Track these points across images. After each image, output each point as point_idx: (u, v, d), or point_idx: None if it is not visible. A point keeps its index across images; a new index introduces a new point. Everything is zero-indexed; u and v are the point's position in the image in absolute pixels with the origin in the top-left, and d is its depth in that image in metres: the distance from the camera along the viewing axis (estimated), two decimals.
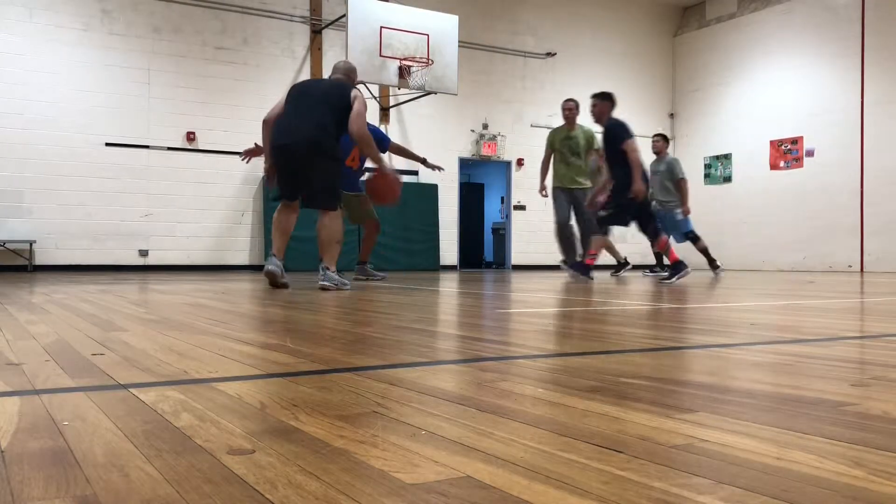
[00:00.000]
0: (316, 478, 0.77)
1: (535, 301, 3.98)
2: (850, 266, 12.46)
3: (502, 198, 14.95)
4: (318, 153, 4.86)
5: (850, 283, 6.73)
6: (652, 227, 7.01)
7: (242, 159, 6.47)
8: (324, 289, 4.86)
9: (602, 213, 7.08)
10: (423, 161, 7.42)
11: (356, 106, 4.95)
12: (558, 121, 14.42)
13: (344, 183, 5.88)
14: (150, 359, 1.67)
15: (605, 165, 7.19)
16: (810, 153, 13.06)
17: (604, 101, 7.06)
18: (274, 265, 5.06)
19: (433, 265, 12.66)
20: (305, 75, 11.98)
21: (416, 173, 12.61)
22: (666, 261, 7.65)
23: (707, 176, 14.96)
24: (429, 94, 11.17)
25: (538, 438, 0.94)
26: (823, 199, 12.77)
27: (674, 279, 6.81)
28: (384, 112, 12.61)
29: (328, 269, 4.97)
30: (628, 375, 1.44)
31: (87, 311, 3.09)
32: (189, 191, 11.15)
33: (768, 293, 4.87)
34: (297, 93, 5.11)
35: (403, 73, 10.51)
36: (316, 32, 12.07)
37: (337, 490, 0.73)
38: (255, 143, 5.87)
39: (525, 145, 13.97)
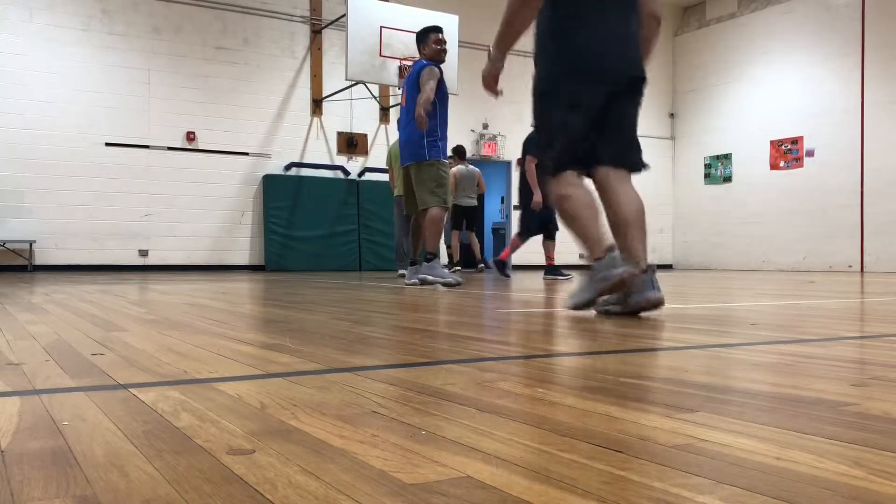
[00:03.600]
0: (316, 478, 0.77)
1: (536, 301, 3.98)
2: (850, 266, 12.46)
3: (502, 198, 14.96)
4: (643, 85, 3.17)
5: (850, 283, 6.73)
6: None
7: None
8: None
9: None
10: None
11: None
12: None
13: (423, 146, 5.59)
14: (150, 359, 1.67)
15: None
16: (810, 153, 13.06)
17: None
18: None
19: None
20: (305, 75, 11.99)
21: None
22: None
23: (707, 176, 14.96)
24: None
25: (538, 438, 0.94)
26: (823, 199, 12.77)
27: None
28: (384, 112, 12.61)
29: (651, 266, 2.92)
30: (628, 375, 1.44)
31: (87, 311, 3.09)
32: (189, 191, 11.15)
33: (768, 293, 4.87)
34: None
35: (403, 72, 10.50)
36: (316, 32, 12.07)
37: (337, 490, 0.73)
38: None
39: None
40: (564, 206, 3.00)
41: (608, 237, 2.92)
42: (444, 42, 5.89)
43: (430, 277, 5.36)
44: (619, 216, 2.96)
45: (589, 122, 3.00)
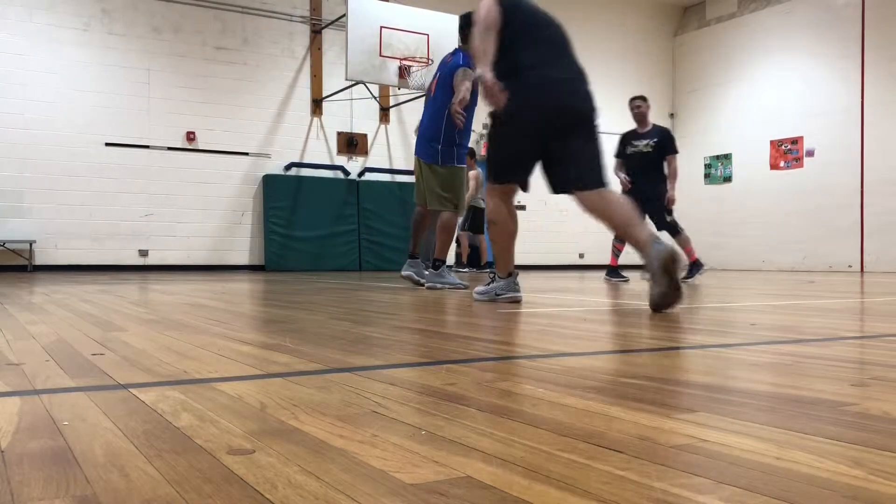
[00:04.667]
0: (316, 478, 0.77)
1: (535, 301, 3.98)
2: (850, 266, 12.45)
3: None
4: (595, 116, 3.52)
5: (850, 283, 6.73)
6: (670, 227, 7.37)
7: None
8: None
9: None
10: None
11: None
12: None
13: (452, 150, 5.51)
14: (150, 359, 1.67)
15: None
16: (810, 153, 13.06)
17: (646, 102, 7.69)
18: None
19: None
20: (305, 75, 11.98)
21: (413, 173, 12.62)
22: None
23: (707, 176, 14.96)
24: None
25: (538, 438, 0.94)
26: (823, 199, 12.77)
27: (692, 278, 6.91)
28: (384, 112, 12.61)
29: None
30: (628, 375, 1.44)
31: (87, 311, 3.09)
32: (189, 191, 11.15)
33: (768, 293, 4.86)
34: (541, 23, 3.69)
35: (403, 73, 10.50)
36: (316, 32, 12.06)
37: (337, 490, 0.73)
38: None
39: None
40: (491, 229, 3.82)
41: (512, 262, 3.87)
42: None
43: (437, 285, 5.32)
44: (614, 224, 3.37)
45: (538, 148, 3.49)
